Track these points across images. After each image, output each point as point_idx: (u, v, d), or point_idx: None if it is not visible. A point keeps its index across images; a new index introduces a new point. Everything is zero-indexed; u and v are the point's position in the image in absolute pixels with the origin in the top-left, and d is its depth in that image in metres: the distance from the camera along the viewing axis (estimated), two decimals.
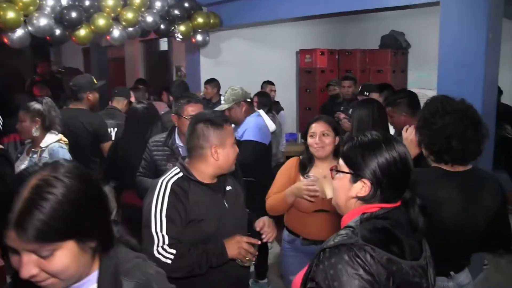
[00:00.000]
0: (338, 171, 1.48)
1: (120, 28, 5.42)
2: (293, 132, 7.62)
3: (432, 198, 1.86)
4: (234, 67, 6.99)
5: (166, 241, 2.00)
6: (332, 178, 1.55)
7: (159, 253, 1.99)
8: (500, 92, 5.58)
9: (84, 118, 4.01)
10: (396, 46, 8.09)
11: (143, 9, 5.50)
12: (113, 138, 4.18)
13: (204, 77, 6.69)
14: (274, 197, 2.78)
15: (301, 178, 2.75)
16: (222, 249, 2.07)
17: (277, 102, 6.25)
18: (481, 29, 3.67)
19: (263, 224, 2.33)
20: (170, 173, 2.16)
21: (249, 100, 3.94)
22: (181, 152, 2.98)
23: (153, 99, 6.78)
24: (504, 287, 4.22)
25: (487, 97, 3.73)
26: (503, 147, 3.78)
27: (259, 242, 2.19)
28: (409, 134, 2.26)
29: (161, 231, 2.01)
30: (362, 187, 1.40)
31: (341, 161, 1.48)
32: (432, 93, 3.31)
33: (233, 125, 3.83)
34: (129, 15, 5.32)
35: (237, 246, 2.10)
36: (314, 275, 1.29)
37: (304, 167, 2.79)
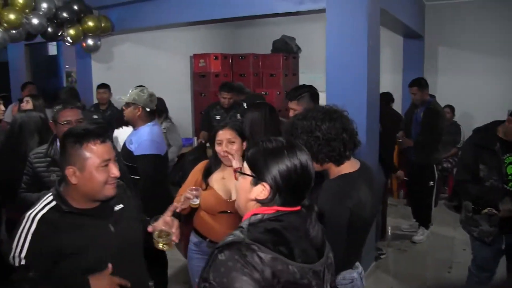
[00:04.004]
0: (241, 173, 1.54)
1: (1, 29, 5.05)
2: (189, 137, 7.59)
3: (359, 203, 2.01)
4: (128, 72, 6.83)
5: None
6: (236, 179, 1.60)
7: None
8: (391, 99, 6.02)
9: None
10: (287, 50, 8.43)
11: (27, 10, 5.16)
12: None
13: (96, 82, 6.46)
14: (176, 199, 2.80)
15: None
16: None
17: None
18: (362, 36, 3.99)
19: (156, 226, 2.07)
20: (41, 203, 1.86)
21: (148, 109, 3.60)
22: None
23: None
24: (391, 273, 4.61)
25: (370, 97, 4.08)
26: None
27: (129, 285, 1.89)
28: None
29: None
30: (262, 191, 1.45)
31: (245, 164, 1.53)
32: (322, 94, 3.51)
33: (130, 127, 3.82)
34: (11, 16, 4.97)
35: None
36: (207, 276, 1.34)
37: (208, 172, 2.84)
